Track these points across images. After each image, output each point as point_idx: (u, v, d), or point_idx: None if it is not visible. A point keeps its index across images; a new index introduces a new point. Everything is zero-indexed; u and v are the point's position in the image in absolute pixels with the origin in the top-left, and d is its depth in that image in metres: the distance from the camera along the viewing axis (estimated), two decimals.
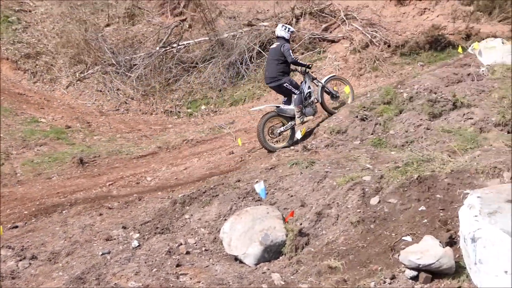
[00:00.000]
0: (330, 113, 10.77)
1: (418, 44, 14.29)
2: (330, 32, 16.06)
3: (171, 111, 14.94)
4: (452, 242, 4.86)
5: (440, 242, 4.71)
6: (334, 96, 11.05)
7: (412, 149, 7.75)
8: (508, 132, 8.53)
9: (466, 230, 4.31)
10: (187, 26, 17.49)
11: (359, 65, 14.09)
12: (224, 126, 12.85)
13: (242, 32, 16.07)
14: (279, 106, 10.53)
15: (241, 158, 10.08)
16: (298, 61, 10.73)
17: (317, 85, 10.93)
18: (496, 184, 5.50)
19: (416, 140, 8.58)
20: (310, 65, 11.00)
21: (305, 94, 10.56)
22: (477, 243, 4.12)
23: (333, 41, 15.70)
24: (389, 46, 14.50)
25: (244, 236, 6.18)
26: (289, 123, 10.38)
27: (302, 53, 15.28)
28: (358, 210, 5.95)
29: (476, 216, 4.22)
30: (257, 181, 7.18)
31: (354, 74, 14.04)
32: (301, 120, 10.34)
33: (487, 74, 10.57)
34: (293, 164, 7.84)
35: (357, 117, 9.52)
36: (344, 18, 15.92)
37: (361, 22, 15.51)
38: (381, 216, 5.69)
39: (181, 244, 6.55)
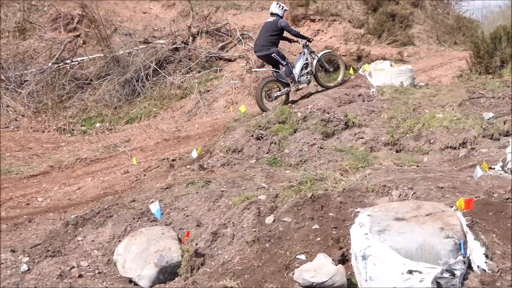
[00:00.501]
0: (322, 86, 12.37)
1: None
2: (227, 51, 16.34)
3: (64, 128, 14.48)
4: (344, 259, 5.05)
5: (333, 260, 4.87)
6: (327, 70, 12.73)
7: (306, 168, 7.98)
8: (397, 151, 9.04)
9: (357, 248, 4.48)
10: (81, 42, 17.14)
11: (255, 84, 14.38)
12: (120, 144, 12.63)
13: (138, 50, 15.96)
14: (278, 72, 11.79)
15: (137, 177, 9.94)
16: (299, 33, 12.01)
17: (314, 58, 12.17)
18: (386, 202, 5.78)
19: (310, 159, 8.87)
20: (311, 39, 12.28)
21: (302, 64, 11.96)
22: (368, 260, 4.30)
23: (229, 60, 15.97)
24: None
25: (138, 258, 6.08)
26: (285, 89, 11.74)
27: (199, 72, 15.39)
28: (254, 229, 6.04)
29: (366, 234, 4.41)
30: (152, 201, 7.09)
31: (250, 93, 14.30)
32: (296, 87, 11.92)
33: (377, 95, 11.13)
34: (189, 183, 7.83)
35: (252, 136, 9.68)
36: (240, 38, 16.27)
37: None
38: (276, 235, 5.81)
39: (73, 267, 6.33)
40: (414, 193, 5.82)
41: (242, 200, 6.73)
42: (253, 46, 13.13)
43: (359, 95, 11.17)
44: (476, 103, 10.08)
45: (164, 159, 10.49)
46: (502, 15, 38.73)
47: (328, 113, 10.12)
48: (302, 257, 5.28)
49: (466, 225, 4.56)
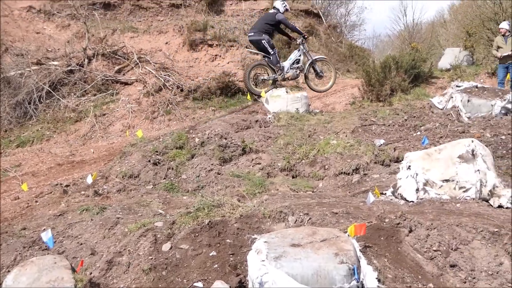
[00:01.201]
0: (310, 88, 13.42)
1: (210, 89, 14.95)
2: (124, 74, 16.07)
3: None
4: (241, 286, 5.06)
5: (230, 287, 4.89)
6: (318, 74, 13.37)
7: (203, 194, 7.98)
8: (293, 177, 9.25)
9: (254, 275, 4.51)
10: None
11: (153, 108, 14.26)
12: (10, 169, 12.01)
13: (30, 71, 15.31)
14: (269, 58, 12.74)
15: (28, 203, 9.47)
16: (296, 27, 13.24)
17: (307, 58, 13.17)
18: (282, 228, 5.88)
19: (207, 185, 8.87)
20: (306, 36, 13.29)
21: (295, 59, 13.01)
22: (265, 287, 4.36)
23: (126, 83, 15.72)
24: (182, 90, 14.95)
25: None
26: (273, 75, 12.92)
27: (95, 95, 15.05)
28: (150, 257, 5.94)
29: (263, 260, 4.46)
30: (44, 229, 6.79)
31: (148, 117, 14.14)
32: (282, 76, 12.90)
33: (274, 121, 11.39)
34: (83, 210, 7.58)
35: (149, 161, 9.56)
36: (138, 61, 16.08)
37: (154, 65, 15.81)
38: (173, 262, 5.75)
39: None
40: (310, 218, 5.97)
41: (138, 227, 6.61)
42: (247, 31, 14.43)
43: (256, 121, 11.37)
44: (368, 130, 10.55)
45: (57, 184, 10.09)
46: (391, 45, 41.01)
47: (225, 138, 10.20)
48: (199, 284, 5.25)
49: (359, 250, 4.74)
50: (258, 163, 9.55)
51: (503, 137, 9.45)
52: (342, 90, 16.66)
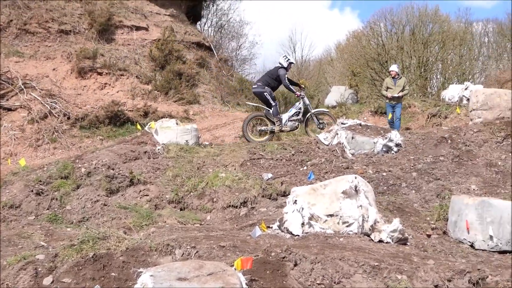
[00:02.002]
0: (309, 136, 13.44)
1: (98, 118, 14.64)
2: (7, 100, 15.37)
3: None
4: None
5: None
6: (319, 127, 13.62)
7: (89, 226, 7.75)
8: (181, 209, 9.21)
9: None
10: None
11: (37, 135, 13.75)
12: None
13: None
14: (269, 110, 13.34)
15: None
16: (289, 86, 13.50)
17: (308, 111, 13.54)
18: (169, 261, 5.83)
19: (93, 216, 8.64)
20: (301, 95, 13.48)
21: (294, 112, 13.48)
22: None
23: (9, 109, 15.04)
24: (68, 118, 14.55)
25: None
26: (270, 127, 13.36)
27: None
28: None
29: None
30: None
31: (32, 145, 13.59)
32: (280, 128, 13.30)
33: (163, 153, 11.31)
34: None
35: (32, 191, 9.17)
36: (22, 87, 15.46)
37: (40, 92, 15.30)
38: None
39: None
40: (197, 252, 5.96)
41: (18, 260, 6.29)
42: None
43: (145, 152, 11.24)
44: (256, 164, 10.74)
45: None
46: None
47: (113, 169, 10.00)
48: None
49: (246, 284, 4.78)
50: (146, 195, 9.43)
51: (384, 173, 9.96)
52: (232, 123, 16.90)
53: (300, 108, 13.64)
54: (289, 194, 7.56)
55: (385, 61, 36.01)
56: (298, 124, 13.61)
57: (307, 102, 13.70)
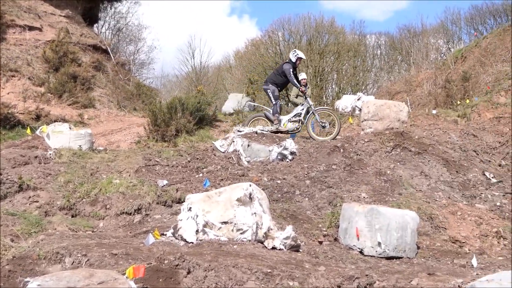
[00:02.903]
0: (312, 137, 13.28)
1: None
2: None
3: None
4: None
5: None
6: (322, 126, 13.47)
7: None
8: (73, 216, 8.92)
9: None
10: None
11: None
12: None
13: None
14: (268, 110, 13.46)
15: None
16: (294, 80, 13.32)
17: (309, 111, 13.29)
18: (58, 270, 5.63)
19: None
20: (302, 89, 13.50)
21: (296, 112, 13.40)
22: None
23: None
24: None
25: None
26: (269, 127, 13.04)
27: None
28: None
29: None
30: None
31: None
32: (277, 128, 13.05)
33: (54, 158, 10.93)
34: None
35: None
36: None
37: None
38: None
39: None
40: (88, 260, 5.80)
41: None
42: None
43: (36, 157, 10.82)
44: (151, 170, 10.62)
45: None
46: (179, 85, 41.94)
47: (0, 174, 9.53)
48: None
49: None
50: (35, 201, 9.05)
51: (279, 181, 10.15)
52: (128, 128, 16.62)
53: (302, 109, 13.56)
54: (184, 201, 7.53)
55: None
56: (299, 126, 13.51)
57: (310, 102, 13.57)
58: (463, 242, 8.41)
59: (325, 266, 6.00)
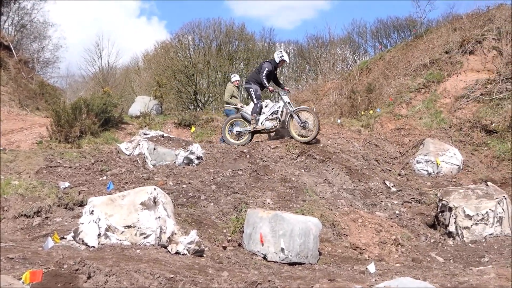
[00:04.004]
0: (292, 137, 12.82)
1: None
2: None
3: None
4: None
5: None
6: (302, 126, 12.77)
7: None
8: None
9: None
10: None
11: None
12: None
13: None
14: (244, 111, 13.39)
15: None
16: (263, 79, 12.88)
17: (288, 109, 12.82)
18: None
19: None
20: (270, 89, 13.07)
21: (272, 111, 12.93)
22: None
23: None
24: None
25: None
26: (247, 127, 13.02)
27: None
28: None
29: None
30: None
31: None
32: (254, 127, 12.84)
33: None
34: None
35: None
36: None
37: None
38: None
39: None
40: None
41: None
42: None
43: None
44: (53, 172, 10.26)
45: None
46: (85, 86, 40.86)
47: None
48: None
49: None
50: None
51: (185, 185, 10.10)
52: (30, 128, 16.00)
53: (278, 107, 13.10)
54: (86, 204, 7.33)
55: (192, 74, 36.68)
56: (277, 124, 13.03)
57: (287, 100, 13.08)
58: (363, 249, 8.70)
59: (229, 271, 6.03)
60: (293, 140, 12.72)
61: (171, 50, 38.47)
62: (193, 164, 11.36)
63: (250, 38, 39.51)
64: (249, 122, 13.18)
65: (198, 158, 11.50)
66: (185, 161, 11.35)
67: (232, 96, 15.63)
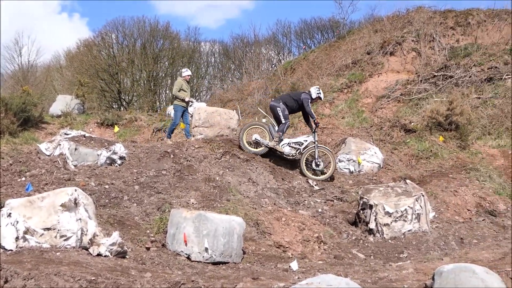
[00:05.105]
0: (304, 175, 12.71)
1: None
2: None
3: None
4: None
5: None
6: (316, 163, 12.85)
7: None
8: None
9: None
10: None
11: None
12: None
13: None
14: (274, 126, 13.12)
15: None
16: (311, 111, 13.13)
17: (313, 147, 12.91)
18: None
19: None
20: (318, 123, 13.35)
21: (299, 141, 13.05)
22: None
23: None
24: None
25: None
26: (267, 141, 12.91)
27: None
28: None
29: None
30: None
31: None
32: (274, 144, 12.77)
33: None
34: None
35: None
36: None
37: None
38: None
39: None
40: None
41: None
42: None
43: None
44: None
45: None
46: (4, 84, 39.34)
47: None
48: None
49: None
50: None
51: (107, 186, 9.97)
52: None
53: (305, 140, 13.05)
54: (3, 206, 7.13)
55: (115, 73, 36.09)
56: (296, 153, 12.90)
57: (316, 138, 13.10)
58: (287, 247, 8.88)
59: (152, 272, 6.04)
60: (217, 139, 12.79)
61: (94, 48, 37.66)
62: (116, 164, 11.22)
63: (175, 37, 39.25)
64: (271, 136, 13.11)
65: (121, 158, 11.37)
66: (108, 161, 11.20)
67: (180, 90, 15.41)
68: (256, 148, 13.03)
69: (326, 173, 12.92)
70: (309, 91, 13.58)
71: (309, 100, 13.25)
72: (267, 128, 13.27)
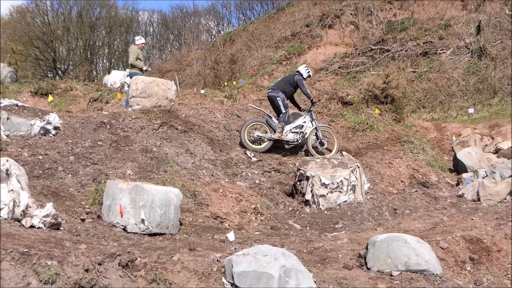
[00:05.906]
0: (310, 154, 12.82)
1: None
2: None
3: None
4: None
5: None
6: (321, 142, 13.06)
7: None
8: None
9: None
10: None
11: None
12: None
13: None
14: (270, 117, 13.19)
15: None
16: (307, 91, 13.38)
17: (312, 126, 13.10)
18: None
19: None
20: (315, 102, 13.74)
21: (298, 124, 13.09)
22: None
23: None
24: None
25: None
26: (270, 134, 12.91)
27: None
28: None
29: None
30: None
31: None
32: (279, 136, 12.78)
33: None
34: None
35: None
36: None
37: None
38: None
39: None
40: None
41: None
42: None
43: None
44: None
45: None
46: None
47: None
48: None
49: None
50: None
51: (41, 157, 9.75)
52: None
53: (304, 122, 13.03)
54: None
55: (50, 41, 35.11)
56: (300, 138, 12.96)
57: (314, 117, 13.20)
58: (224, 218, 8.97)
59: (87, 244, 5.99)
60: (155, 110, 12.67)
61: (28, 15, 36.48)
62: (50, 135, 10.96)
63: (112, 6, 38.46)
64: (271, 129, 13.12)
65: (55, 128, 11.10)
66: (42, 132, 10.92)
67: (137, 59, 15.12)
68: (260, 145, 13.10)
69: (331, 150, 13.24)
70: (299, 71, 13.84)
71: (303, 81, 13.55)
72: (266, 122, 13.35)
